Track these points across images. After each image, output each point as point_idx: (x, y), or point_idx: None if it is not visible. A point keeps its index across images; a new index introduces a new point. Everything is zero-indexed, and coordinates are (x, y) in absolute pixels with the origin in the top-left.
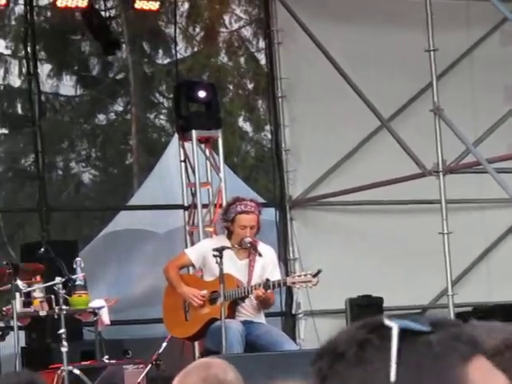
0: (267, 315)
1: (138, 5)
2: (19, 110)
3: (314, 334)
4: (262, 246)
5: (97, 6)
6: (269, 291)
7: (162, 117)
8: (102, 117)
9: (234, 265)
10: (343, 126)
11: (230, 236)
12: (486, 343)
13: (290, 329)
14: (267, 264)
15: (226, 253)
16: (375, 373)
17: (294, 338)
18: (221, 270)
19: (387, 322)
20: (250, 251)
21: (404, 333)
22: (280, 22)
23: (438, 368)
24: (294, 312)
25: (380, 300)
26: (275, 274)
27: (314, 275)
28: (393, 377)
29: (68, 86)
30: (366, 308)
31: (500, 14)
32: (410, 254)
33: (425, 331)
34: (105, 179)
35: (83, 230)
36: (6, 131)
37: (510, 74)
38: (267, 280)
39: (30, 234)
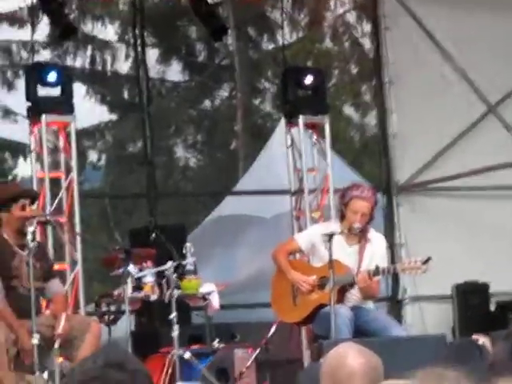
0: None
1: None
2: (126, 96)
3: (420, 320)
4: (372, 234)
5: None
6: (375, 278)
7: (267, 102)
8: (207, 102)
9: (344, 251)
10: (450, 110)
11: (342, 220)
12: None
13: (396, 314)
14: (376, 252)
15: (335, 239)
16: None
17: (399, 324)
18: (330, 255)
19: None
20: (360, 237)
21: None
22: (386, 6)
23: None
24: (400, 297)
25: (486, 286)
26: (384, 262)
27: (424, 262)
28: None
29: (175, 72)
30: (472, 294)
31: None
32: None
33: None
34: (210, 164)
35: (189, 216)
36: (115, 117)
37: None
38: (377, 266)
39: (137, 220)
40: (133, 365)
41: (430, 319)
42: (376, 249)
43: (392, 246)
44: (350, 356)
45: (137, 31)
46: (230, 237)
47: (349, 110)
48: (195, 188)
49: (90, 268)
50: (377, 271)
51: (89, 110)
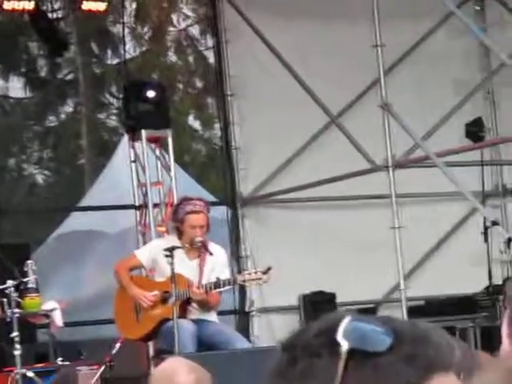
0: (221, 313)
1: (85, 6)
2: None
3: (268, 331)
4: (212, 246)
5: (44, 8)
6: (214, 291)
7: (112, 117)
8: (52, 118)
9: (185, 265)
10: (293, 122)
11: (180, 236)
12: (450, 360)
13: (244, 326)
14: (217, 263)
15: (176, 253)
16: None
17: (247, 336)
18: (172, 269)
19: (340, 338)
20: (201, 250)
21: (356, 352)
22: (228, 20)
23: None
24: (247, 309)
25: (332, 296)
26: (225, 274)
27: (265, 272)
28: None
29: (17, 88)
30: (319, 304)
31: (446, 8)
32: (362, 249)
33: (377, 352)
34: (57, 180)
35: (36, 232)
36: None
37: (458, 67)
38: (217, 279)
39: None
40: None
41: (278, 330)
42: (217, 261)
43: (238, 259)
44: (178, 372)
45: None
46: (75, 253)
47: (194, 123)
48: (43, 204)
49: None
50: (217, 283)
51: None
